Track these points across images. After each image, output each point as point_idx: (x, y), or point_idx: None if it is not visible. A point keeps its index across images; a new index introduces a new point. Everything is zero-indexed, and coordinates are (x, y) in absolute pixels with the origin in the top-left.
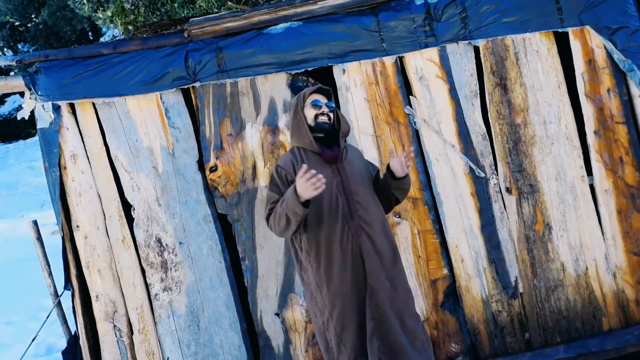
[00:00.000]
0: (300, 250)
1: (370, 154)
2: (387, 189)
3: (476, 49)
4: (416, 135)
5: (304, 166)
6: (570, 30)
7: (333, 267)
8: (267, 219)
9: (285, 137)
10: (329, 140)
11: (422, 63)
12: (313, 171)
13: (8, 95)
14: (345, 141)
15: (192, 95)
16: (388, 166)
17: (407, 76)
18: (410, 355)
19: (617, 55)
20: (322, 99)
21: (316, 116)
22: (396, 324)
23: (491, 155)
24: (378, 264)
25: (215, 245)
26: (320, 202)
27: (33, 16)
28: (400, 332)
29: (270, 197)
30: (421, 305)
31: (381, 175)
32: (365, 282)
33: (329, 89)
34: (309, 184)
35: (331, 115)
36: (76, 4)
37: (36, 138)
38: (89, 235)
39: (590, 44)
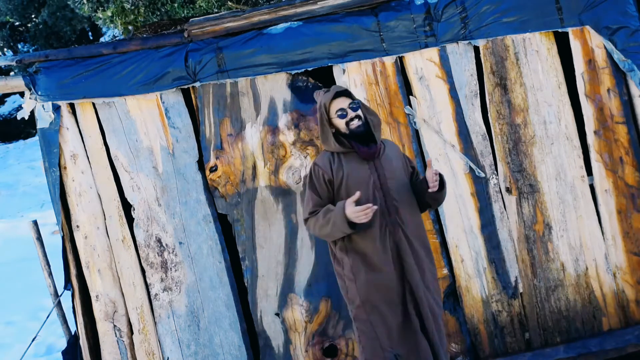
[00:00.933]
0: (334, 244)
1: None
2: (422, 195)
3: (476, 49)
4: (416, 135)
5: (358, 193)
6: (570, 30)
7: (370, 261)
8: (306, 220)
9: (285, 137)
10: (364, 137)
11: (422, 63)
12: (368, 204)
13: (8, 95)
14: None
15: (192, 95)
16: (425, 175)
17: (407, 76)
18: (441, 354)
19: (617, 55)
20: (344, 103)
21: (347, 124)
22: (432, 323)
23: (491, 155)
24: (413, 262)
25: (215, 245)
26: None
27: (33, 16)
28: (434, 331)
29: (311, 198)
30: None
31: (420, 176)
32: (403, 277)
33: (345, 88)
34: (361, 213)
35: (359, 113)
36: (76, 4)
37: (36, 138)
38: (89, 235)
39: (590, 44)
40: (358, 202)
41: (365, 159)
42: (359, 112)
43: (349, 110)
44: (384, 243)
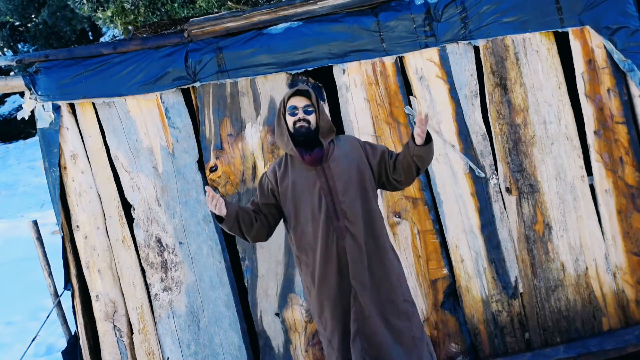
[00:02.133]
0: (294, 255)
1: None
2: (408, 157)
3: (476, 49)
4: None
5: (207, 189)
6: (570, 30)
7: (318, 270)
8: None
9: None
10: (311, 143)
11: (422, 63)
12: (212, 193)
13: (8, 95)
14: (334, 136)
15: (192, 95)
16: (412, 134)
17: (407, 76)
18: (395, 353)
19: (617, 55)
20: (300, 103)
21: (294, 123)
22: (379, 324)
23: (491, 155)
24: (361, 265)
25: (215, 245)
26: (303, 206)
27: (33, 16)
28: (384, 331)
29: (250, 201)
30: (421, 305)
31: (392, 154)
32: (349, 283)
33: (307, 89)
34: (209, 204)
35: (309, 118)
36: (76, 4)
37: (36, 138)
38: (89, 235)
39: (590, 44)
40: (305, 211)
41: (311, 164)
42: (310, 117)
43: (301, 111)
44: (330, 250)
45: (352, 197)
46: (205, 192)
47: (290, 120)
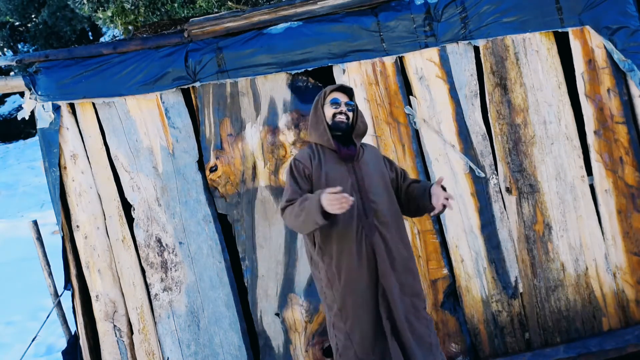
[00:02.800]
0: (313, 246)
1: None
2: (418, 201)
3: (476, 49)
4: (416, 135)
5: (339, 188)
6: (570, 30)
7: (345, 265)
8: (283, 210)
9: (285, 137)
10: (345, 138)
11: (422, 63)
12: (345, 194)
13: (8, 95)
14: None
15: (192, 95)
16: (430, 187)
17: (407, 76)
18: (419, 356)
19: (617, 55)
20: (342, 98)
21: (334, 115)
22: (405, 326)
23: (491, 155)
24: (389, 265)
25: (215, 245)
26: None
27: (33, 16)
28: (409, 334)
29: (290, 187)
30: None
31: (406, 178)
32: (377, 281)
33: (351, 88)
34: (336, 201)
35: (350, 114)
36: (76, 4)
37: (36, 138)
38: (89, 235)
39: (590, 44)
40: None
41: (343, 159)
42: (350, 113)
43: (343, 105)
44: (359, 246)
45: (381, 198)
46: (205, 191)
47: (330, 111)
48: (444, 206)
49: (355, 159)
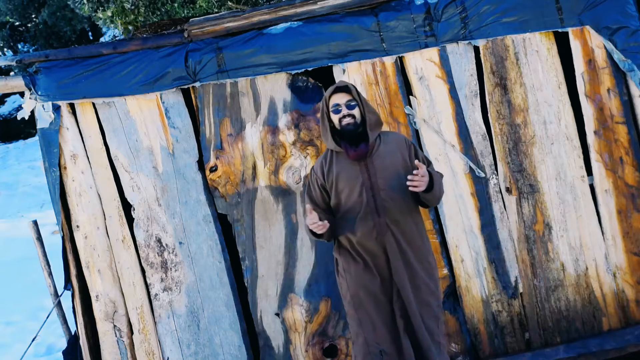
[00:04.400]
0: (333, 239)
1: None
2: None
3: (476, 49)
4: (416, 135)
5: (308, 206)
6: (570, 30)
7: (357, 263)
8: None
9: (285, 137)
10: (359, 136)
11: (422, 63)
12: (316, 221)
13: (8, 95)
14: (381, 129)
15: (192, 95)
16: None
17: (407, 76)
18: (431, 354)
19: (617, 55)
20: (342, 99)
21: (340, 120)
22: (419, 323)
23: (491, 155)
24: (401, 263)
25: (215, 245)
26: (345, 198)
27: (33, 16)
28: (423, 331)
29: (305, 201)
30: None
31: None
32: (391, 279)
33: (346, 84)
34: (314, 226)
35: (354, 112)
36: (76, 4)
37: (36, 138)
38: (89, 235)
39: (590, 44)
40: (348, 205)
41: (354, 159)
42: (354, 111)
43: (344, 107)
44: (372, 243)
45: (395, 195)
46: (205, 191)
47: (335, 118)
48: (426, 181)
49: (368, 156)
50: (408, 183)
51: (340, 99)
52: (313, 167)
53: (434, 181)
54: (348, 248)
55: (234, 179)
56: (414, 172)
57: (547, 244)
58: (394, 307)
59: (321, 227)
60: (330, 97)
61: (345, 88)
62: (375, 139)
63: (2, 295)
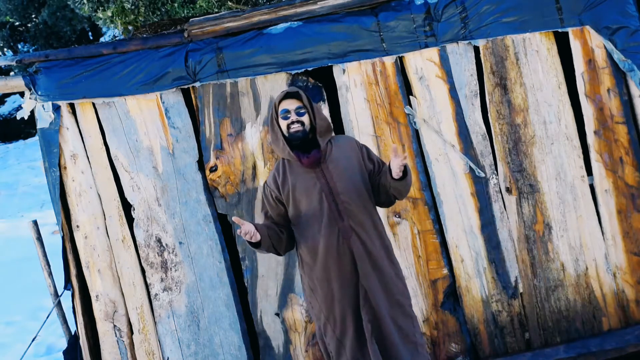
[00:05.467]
0: (298, 256)
1: None
2: (387, 186)
3: (476, 49)
4: (416, 135)
5: (235, 219)
6: (570, 30)
7: (324, 272)
8: None
9: None
10: (309, 143)
11: (422, 63)
12: (244, 226)
13: (8, 95)
14: (332, 135)
15: (192, 95)
16: (389, 165)
17: (407, 76)
18: (404, 355)
19: (617, 55)
20: (291, 105)
21: (288, 127)
22: (390, 324)
23: (491, 155)
24: (369, 265)
25: (215, 245)
26: (305, 208)
27: (33, 16)
28: (395, 332)
29: (255, 220)
30: (421, 305)
31: (382, 171)
32: (358, 283)
33: (297, 90)
34: (246, 236)
35: (303, 119)
36: (76, 4)
37: (36, 138)
38: (89, 235)
39: (590, 44)
40: (306, 214)
41: (308, 167)
42: (303, 118)
43: (293, 114)
44: (337, 251)
45: (354, 198)
46: (205, 191)
47: (283, 124)
48: (403, 167)
49: (322, 161)
50: (401, 160)
51: (290, 104)
52: (266, 181)
53: (408, 170)
54: (310, 261)
55: (234, 179)
56: (398, 149)
57: (547, 244)
58: (361, 312)
59: (251, 231)
60: (279, 102)
61: (295, 94)
62: (327, 144)
63: (2, 295)
